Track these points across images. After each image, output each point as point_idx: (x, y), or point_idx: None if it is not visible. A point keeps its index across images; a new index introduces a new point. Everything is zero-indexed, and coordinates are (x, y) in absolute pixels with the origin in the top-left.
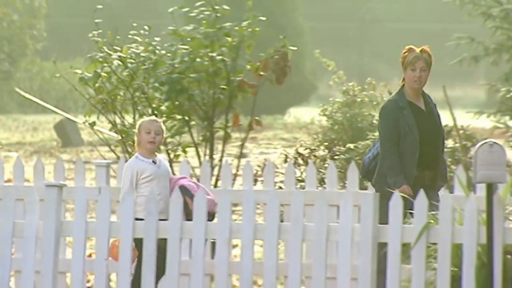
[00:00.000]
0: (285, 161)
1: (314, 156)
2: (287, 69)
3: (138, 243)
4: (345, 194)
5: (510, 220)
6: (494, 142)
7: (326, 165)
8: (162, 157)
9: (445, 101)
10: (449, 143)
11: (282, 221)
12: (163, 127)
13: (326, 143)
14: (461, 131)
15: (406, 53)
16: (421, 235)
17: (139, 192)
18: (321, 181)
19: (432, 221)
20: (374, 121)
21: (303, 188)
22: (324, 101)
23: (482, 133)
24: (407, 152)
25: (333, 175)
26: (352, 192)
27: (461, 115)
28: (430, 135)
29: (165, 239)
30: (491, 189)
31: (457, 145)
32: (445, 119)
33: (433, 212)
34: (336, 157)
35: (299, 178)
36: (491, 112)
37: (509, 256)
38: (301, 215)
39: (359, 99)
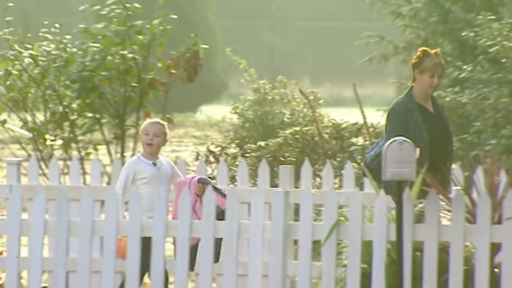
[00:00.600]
0: (197, 159)
1: (226, 153)
2: (199, 67)
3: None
4: (256, 192)
5: (421, 217)
6: (404, 140)
7: (237, 162)
8: (164, 160)
9: (355, 99)
10: (359, 141)
11: None
12: (166, 130)
13: (237, 141)
14: (371, 129)
15: (422, 57)
16: (331, 232)
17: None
18: (232, 179)
19: (342, 218)
20: (285, 119)
21: None
22: (235, 99)
23: None
24: (422, 152)
25: (244, 172)
26: (263, 190)
27: (371, 113)
28: (440, 137)
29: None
30: (400, 186)
31: (367, 142)
32: (355, 117)
33: (343, 210)
34: (247, 154)
35: (211, 176)
36: None
37: (418, 253)
38: (212, 212)
39: (270, 97)
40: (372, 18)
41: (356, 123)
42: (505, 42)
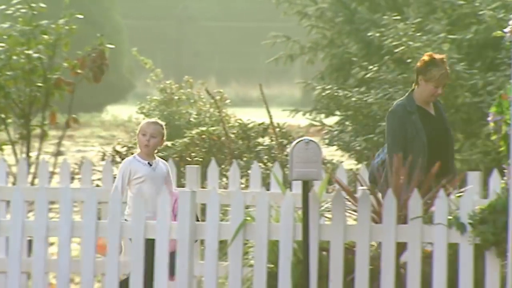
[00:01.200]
0: (103, 159)
1: (132, 153)
2: (105, 67)
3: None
4: (162, 192)
5: (326, 217)
6: (310, 140)
7: None
8: (162, 162)
9: (261, 99)
10: (266, 140)
11: (99, 218)
12: (163, 130)
13: None
14: (277, 129)
15: (429, 65)
16: (238, 232)
17: (131, 193)
18: None
19: (249, 218)
20: (192, 119)
21: None
22: (142, 99)
23: (298, 130)
24: (415, 157)
25: None
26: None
27: (278, 113)
28: (439, 140)
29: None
30: (307, 186)
31: (274, 142)
32: (262, 117)
33: (250, 210)
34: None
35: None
36: (307, 110)
37: (324, 253)
38: (118, 213)
39: (176, 97)
40: (279, 18)
41: (262, 123)
42: (411, 43)
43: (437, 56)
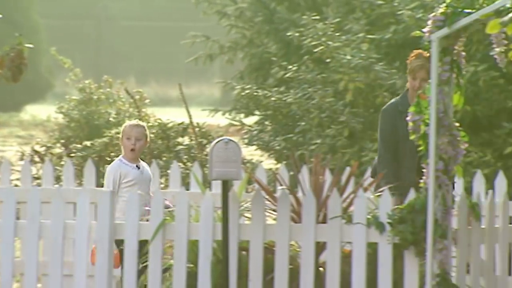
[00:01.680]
0: (21, 159)
1: (51, 153)
2: (23, 67)
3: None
4: (82, 192)
5: (245, 216)
6: (230, 140)
7: (62, 162)
8: (145, 164)
9: (181, 98)
10: (185, 140)
11: (18, 218)
12: (146, 132)
13: (62, 141)
14: (197, 129)
15: (412, 58)
16: (158, 232)
17: (120, 196)
18: (58, 179)
19: (168, 218)
20: (111, 119)
21: (40, 186)
22: (61, 99)
23: (217, 130)
24: (406, 157)
25: (70, 172)
26: (89, 190)
27: (197, 113)
28: None
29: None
30: (226, 186)
31: (193, 142)
32: (181, 116)
33: (169, 209)
34: (72, 154)
35: (36, 176)
36: (227, 110)
37: (244, 252)
38: (37, 213)
39: (95, 97)
40: (198, 17)
41: (182, 123)
42: (330, 42)
43: (425, 53)
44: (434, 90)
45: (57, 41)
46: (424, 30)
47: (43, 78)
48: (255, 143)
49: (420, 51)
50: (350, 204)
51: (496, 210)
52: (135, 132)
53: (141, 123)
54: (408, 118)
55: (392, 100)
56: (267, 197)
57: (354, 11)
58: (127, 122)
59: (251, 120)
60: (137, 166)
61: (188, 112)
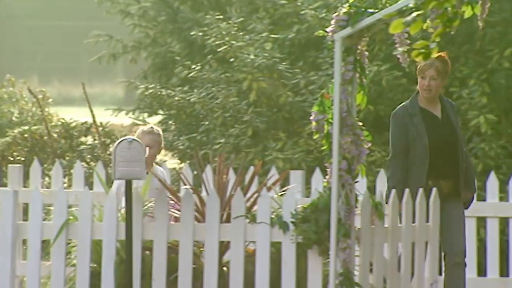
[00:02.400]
0: None
1: None
2: None
3: None
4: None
5: (150, 216)
6: (133, 139)
7: None
8: (160, 170)
9: (84, 98)
10: (89, 140)
11: None
12: (160, 139)
13: None
14: (100, 128)
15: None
16: (61, 231)
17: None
18: None
19: (72, 218)
20: (14, 118)
21: None
22: None
23: (121, 130)
24: (417, 159)
25: None
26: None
27: (101, 112)
28: (444, 142)
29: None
30: (130, 185)
31: (97, 142)
32: (85, 116)
33: (73, 209)
34: None
35: None
36: (130, 109)
37: (148, 252)
38: None
39: None
40: (101, 16)
41: (85, 122)
42: (233, 42)
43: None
44: (337, 89)
45: None
46: (328, 29)
47: None
48: None
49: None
50: (254, 203)
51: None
52: (147, 139)
53: (155, 129)
54: (311, 118)
55: (403, 103)
56: (170, 196)
57: (257, 11)
58: (141, 128)
59: (154, 119)
60: (147, 173)
61: (92, 111)
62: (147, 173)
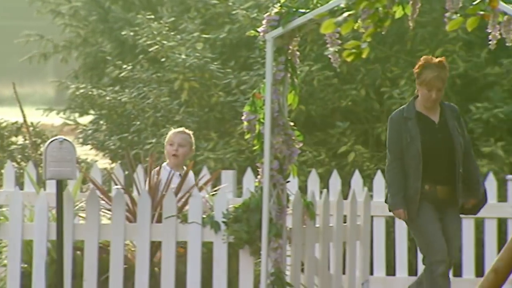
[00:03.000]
0: None
1: None
2: None
3: None
4: None
5: (80, 216)
6: (64, 139)
7: None
8: (191, 174)
9: (14, 98)
10: (19, 140)
11: None
12: (192, 139)
13: None
14: (31, 128)
15: (422, 68)
16: None
17: None
18: None
19: (2, 218)
20: None
21: None
22: None
23: (52, 130)
24: (411, 165)
25: None
26: None
27: (31, 112)
28: (439, 147)
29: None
30: (61, 185)
31: (27, 142)
32: (15, 116)
33: (3, 209)
34: None
35: None
36: (61, 109)
37: (79, 252)
38: None
39: None
40: (32, 16)
41: (16, 122)
42: (165, 42)
43: (433, 59)
44: (269, 89)
45: None
46: (259, 29)
47: None
48: (89, 142)
49: (429, 58)
50: (186, 203)
51: (331, 209)
52: (178, 138)
53: (186, 130)
54: (243, 118)
55: (400, 108)
56: (102, 196)
57: (189, 11)
58: (172, 129)
59: (85, 119)
60: (180, 174)
61: (22, 111)
62: (180, 174)
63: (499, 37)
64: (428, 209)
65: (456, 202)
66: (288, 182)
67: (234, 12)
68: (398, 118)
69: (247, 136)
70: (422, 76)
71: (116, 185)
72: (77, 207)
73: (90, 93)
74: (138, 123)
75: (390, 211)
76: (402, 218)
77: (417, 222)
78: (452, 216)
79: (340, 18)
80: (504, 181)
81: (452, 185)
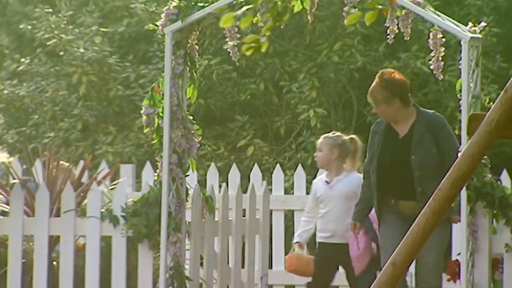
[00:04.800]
0: None
1: None
2: None
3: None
4: None
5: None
6: None
7: None
8: (357, 177)
9: None
10: None
11: None
12: (334, 141)
13: None
14: None
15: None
16: None
17: (317, 213)
18: None
19: None
20: None
21: None
22: None
23: None
24: (372, 179)
25: None
26: None
27: None
28: (395, 163)
29: None
30: None
31: None
32: None
33: None
34: None
35: None
36: None
37: (2, 250)
38: None
39: None
40: None
41: None
42: (63, 35)
43: (384, 74)
44: (168, 83)
45: None
46: (158, 23)
47: None
48: None
49: (382, 71)
50: (84, 197)
51: (230, 203)
52: (318, 143)
53: (330, 135)
54: (142, 112)
55: (378, 120)
56: (0, 190)
57: (87, 4)
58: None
59: None
60: (326, 181)
61: None
62: (326, 182)
63: (397, 31)
64: (389, 223)
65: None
66: (187, 176)
67: (132, 5)
68: (371, 131)
69: (146, 130)
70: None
71: (15, 179)
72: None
73: None
74: (36, 117)
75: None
76: (351, 230)
77: (381, 235)
78: None
79: (239, 12)
80: None
81: (414, 200)
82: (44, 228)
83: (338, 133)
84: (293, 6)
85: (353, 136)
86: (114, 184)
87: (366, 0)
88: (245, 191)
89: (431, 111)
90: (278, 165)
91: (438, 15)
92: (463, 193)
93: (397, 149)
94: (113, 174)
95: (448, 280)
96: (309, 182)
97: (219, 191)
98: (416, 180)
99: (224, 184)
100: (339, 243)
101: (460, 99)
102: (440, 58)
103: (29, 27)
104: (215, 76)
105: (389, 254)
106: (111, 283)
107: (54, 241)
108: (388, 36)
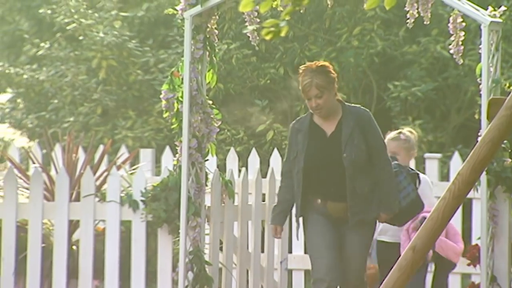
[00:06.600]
0: None
1: None
2: None
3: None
4: None
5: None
6: None
7: None
8: (423, 180)
9: None
10: None
11: None
12: (407, 144)
13: None
14: None
15: (300, 77)
16: None
17: None
18: None
19: None
20: None
21: None
22: None
23: None
24: (296, 179)
25: None
26: None
27: None
28: (326, 161)
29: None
30: None
31: None
32: None
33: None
34: None
35: None
36: None
37: (22, 234)
38: None
39: None
40: None
41: None
42: (83, 20)
43: (312, 65)
44: (187, 68)
45: None
46: (178, 7)
47: None
48: (7, 121)
49: (308, 64)
50: (104, 182)
51: (249, 187)
52: (392, 146)
53: (400, 136)
54: (161, 96)
55: (301, 116)
56: (19, 175)
57: None
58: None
59: (3, 98)
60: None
61: None
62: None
63: (417, 15)
64: (318, 223)
65: (348, 220)
66: (206, 160)
67: None
68: (292, 130)
69: (165, 115)
70: (300, 85)
71: (34, 163)
72: None
73: (7, 71)
74: (56, 101)
75: None
76: (273, 234)
77: (306, 235)
78: (350, 236)
79: None
80: (422, 159)
81: (344, 202)
82: (64, 213)
83: (402, 131)
84: None
85: (410, 129)
86: (134, 169)
87: None
88: (264, 176)
89: (357, 105)
90: None
91: None
92: (483, 177)
93: (326, 148)
94: (133, 158)
95: (468, 265)
96: None
97: (239, 176)
98: (348, 178)
99: (243, 169)
100: (391, 242)
101: (480, 84)
102: (460, 43)
103: (49, 11)
104: (235, 61)
105: (323, 258)
106: (131, 268)
107: (74, 225)
108: (408, 21)
